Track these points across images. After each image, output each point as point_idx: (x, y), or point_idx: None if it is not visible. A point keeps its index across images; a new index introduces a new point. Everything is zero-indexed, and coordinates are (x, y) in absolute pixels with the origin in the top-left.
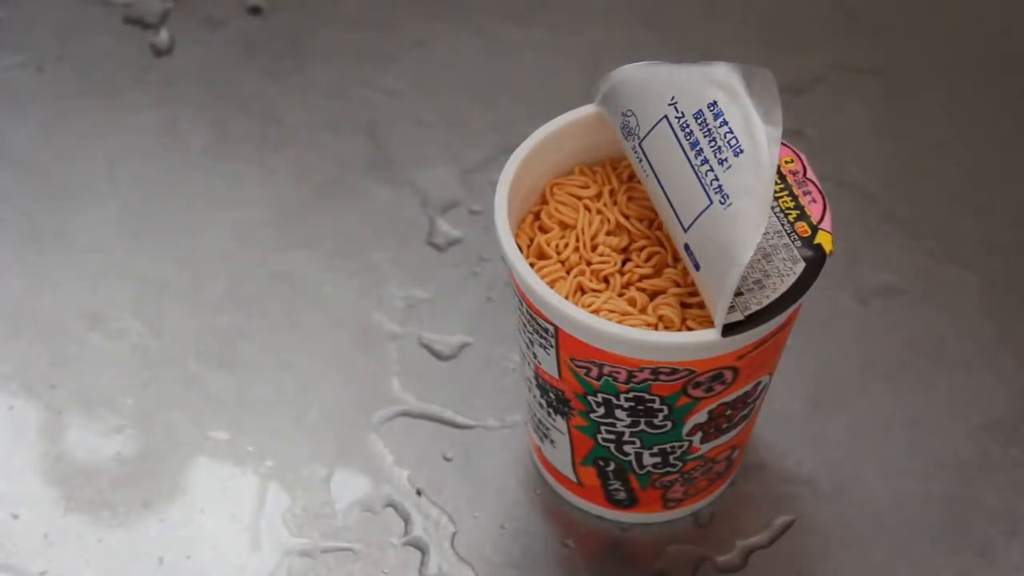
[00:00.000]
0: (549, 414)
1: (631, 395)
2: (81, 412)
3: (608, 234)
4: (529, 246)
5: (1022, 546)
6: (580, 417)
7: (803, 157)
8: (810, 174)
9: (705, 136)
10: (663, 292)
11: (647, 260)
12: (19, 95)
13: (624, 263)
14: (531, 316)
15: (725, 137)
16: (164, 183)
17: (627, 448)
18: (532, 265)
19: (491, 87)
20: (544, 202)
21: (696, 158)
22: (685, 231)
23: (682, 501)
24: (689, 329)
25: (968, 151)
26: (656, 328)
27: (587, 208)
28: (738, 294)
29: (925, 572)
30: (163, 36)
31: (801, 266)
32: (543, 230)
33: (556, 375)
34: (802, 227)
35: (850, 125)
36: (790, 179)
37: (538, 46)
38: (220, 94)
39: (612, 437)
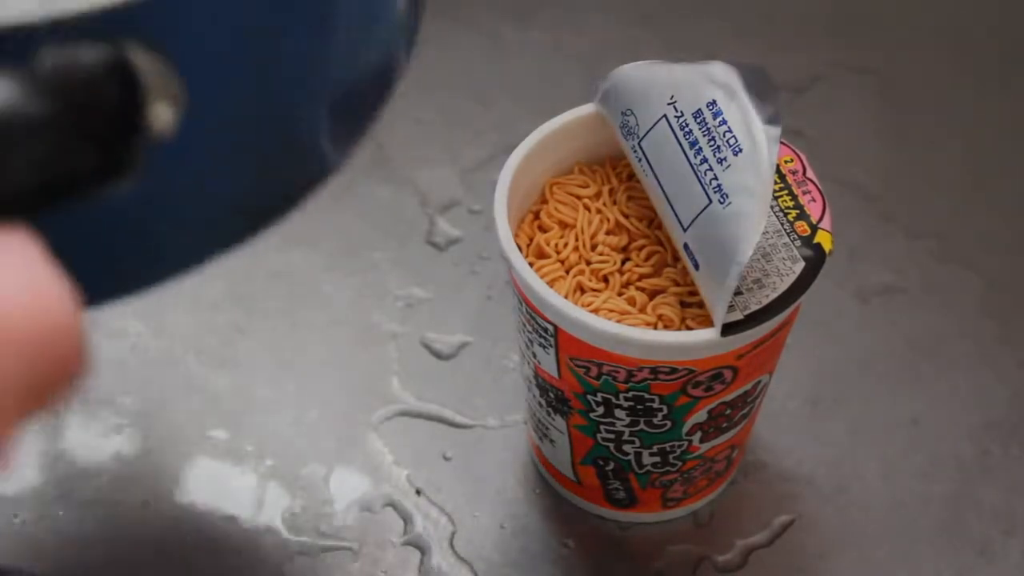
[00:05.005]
0: (548, 413)
1: (630, 394)
2: (81, 412)
3: (608, 233)
4: (529, 245)
5: (1021, 546)
6: (579, 416)
7: (803, 156)
8: (810, 173)
9: (704, 135)
10: (663, 291)
11: (647, 259)
12: None
13: (624, 262)
14: (531, 315)
15: (724, 136)
16: None
17: (627, 447)
18: (531, 264)
19: (491, 87)
20: (544, 201)
21: (695, 157)
22: (684, 230)
23: (682, 501)
24: (689, 328)
25: (968, 151)
26: (656, 327)
27: (587, 207)
28: (738, 293)
29: (925, 572)
30: None
31: (801, 265)
32: (543, 229)
33: (555, 375)
34: (802, 226)
35: (850, 125)
36: (790, 178)
37: (538, 46)
38: None
39: (611, 436)
